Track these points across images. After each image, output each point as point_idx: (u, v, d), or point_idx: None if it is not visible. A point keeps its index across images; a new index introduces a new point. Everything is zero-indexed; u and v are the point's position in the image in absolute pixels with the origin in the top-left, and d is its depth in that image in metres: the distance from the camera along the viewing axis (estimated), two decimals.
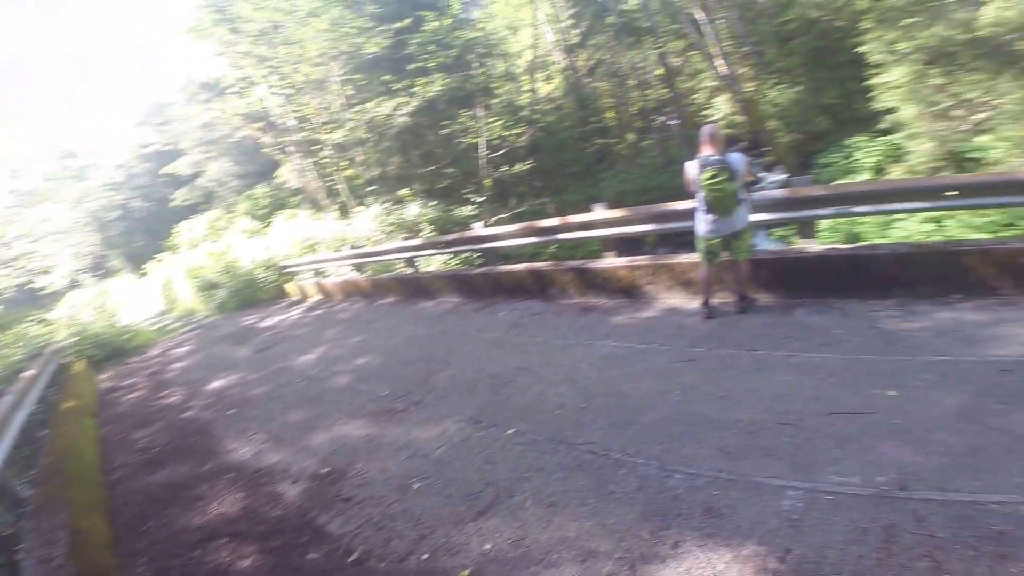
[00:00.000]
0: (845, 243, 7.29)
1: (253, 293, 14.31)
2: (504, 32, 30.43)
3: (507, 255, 9.57)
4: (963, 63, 9.08)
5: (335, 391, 5.50)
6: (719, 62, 19.28)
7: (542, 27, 31.78)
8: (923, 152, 9.85)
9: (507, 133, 13.74)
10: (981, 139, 8.70)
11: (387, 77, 14.97)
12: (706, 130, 4.23)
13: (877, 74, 11.63)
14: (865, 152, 11.60)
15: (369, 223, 13.40)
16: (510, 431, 3.67)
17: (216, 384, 7.17)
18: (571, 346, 4.89)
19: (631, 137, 26.20)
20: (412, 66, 14.29)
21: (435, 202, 14.90)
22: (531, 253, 11.26)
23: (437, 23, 13.41)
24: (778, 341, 3.92)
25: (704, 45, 20.50)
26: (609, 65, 28.66)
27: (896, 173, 10.27)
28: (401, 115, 15.21)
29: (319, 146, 17.07)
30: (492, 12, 26.76)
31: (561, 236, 6.54)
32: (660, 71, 26.89)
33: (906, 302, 4.01)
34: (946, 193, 3.84)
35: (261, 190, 28.12)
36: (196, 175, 35.50)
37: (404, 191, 15.99)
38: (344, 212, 16.73)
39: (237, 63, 16.82)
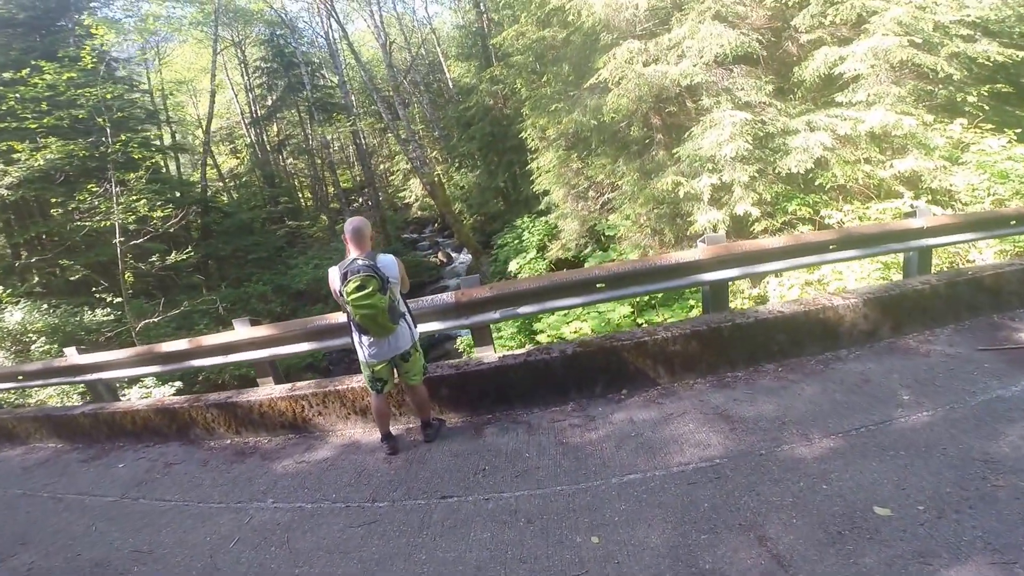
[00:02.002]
0: (525, 333, 7.43)
1: None
2: (181, 96, 26.40)
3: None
4: (593, 148, 10.74)
5: None
6: (411, 145, 20.01)
7: (228, 94, 28.58)
8: (571, 231, 11.38)
9: (156, 214, 10.99)
10: (611, 217, 10.32)
11: None
12: (349, 226, 3.29)
13: (533, 158, 13.32)
14: (530, 232, 12.97)
15: None
16: None
17: None
18: (217, 512, 3.58)
19: (325, 220, 25.11)
20: (2, 125, 10.48)
21: (50, 304, 10.90)
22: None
23: (52, 76, 10.05)
24: (471, 479, 3.34)
25: (396, 128, 21.09)
26: (301, 142, 27.43)
27: (554, 251, 11.61)
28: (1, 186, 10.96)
29: None
30: (155, 75, 22.61)
31: (196, 363, 4.88)
32: (351, 150, 26.99)
33: (583, 403, 3.86)
34: (597, 285, 3.85)
35: None
36: None
37: None
38: None
39: None
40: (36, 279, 13.79)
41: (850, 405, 3.43)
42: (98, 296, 11.27)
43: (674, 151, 8.19)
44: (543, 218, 12.92)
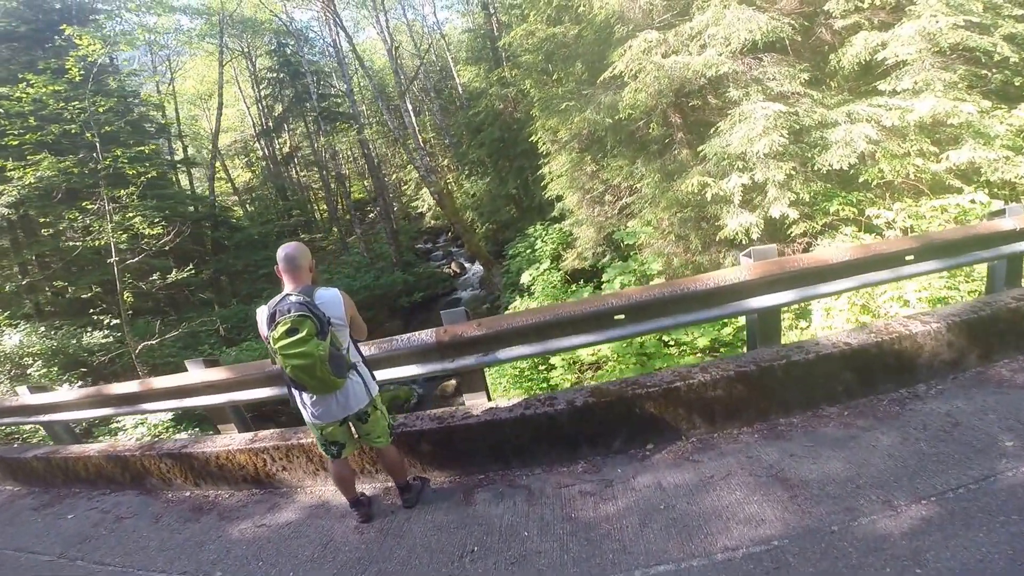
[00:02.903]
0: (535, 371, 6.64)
1: None
2: (196, 110, 26.45)
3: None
4: (608, 149, 10.01)
5: None
6: (417, 154, 19.52)
7: (240, 107, 28.57)
8: (587, 238, 10.61)
9: (150, 231, 10.57)
10: (631, 223, 9.53)
11: None
12: (281, 254, 2.63)
13: (545, 163, 12.64)
14: (543, 240, 12.20)
15: None
16: None
17: None
18: None
19: (336, 232, 24.67)
20: None
21: (50, 326, 10.57)
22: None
23: (37, 90, 9.63)
24: (455, 564, 2.65)
25: (404, 136, 20.63)
26: (311, 153, 27.19)
27: (569, 260, 10.82)
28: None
29: None
30: (166, 88, 22.41)
31: (148, 406, 4.31)
32: (363, 161, 26.61)
33: (597, 463, 3.12)
34: (615, 318, 3.12)
35: None
36: None
37: None
38: None
39: None
40: (45, 299, 13.66)
41: (940, 458, 2.69)
42: (98, 317, 10.92)
43: (699, 149, 7.46)
44: (557, 225, 12.20)
